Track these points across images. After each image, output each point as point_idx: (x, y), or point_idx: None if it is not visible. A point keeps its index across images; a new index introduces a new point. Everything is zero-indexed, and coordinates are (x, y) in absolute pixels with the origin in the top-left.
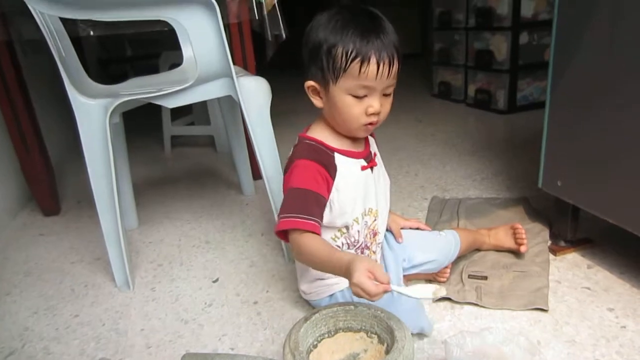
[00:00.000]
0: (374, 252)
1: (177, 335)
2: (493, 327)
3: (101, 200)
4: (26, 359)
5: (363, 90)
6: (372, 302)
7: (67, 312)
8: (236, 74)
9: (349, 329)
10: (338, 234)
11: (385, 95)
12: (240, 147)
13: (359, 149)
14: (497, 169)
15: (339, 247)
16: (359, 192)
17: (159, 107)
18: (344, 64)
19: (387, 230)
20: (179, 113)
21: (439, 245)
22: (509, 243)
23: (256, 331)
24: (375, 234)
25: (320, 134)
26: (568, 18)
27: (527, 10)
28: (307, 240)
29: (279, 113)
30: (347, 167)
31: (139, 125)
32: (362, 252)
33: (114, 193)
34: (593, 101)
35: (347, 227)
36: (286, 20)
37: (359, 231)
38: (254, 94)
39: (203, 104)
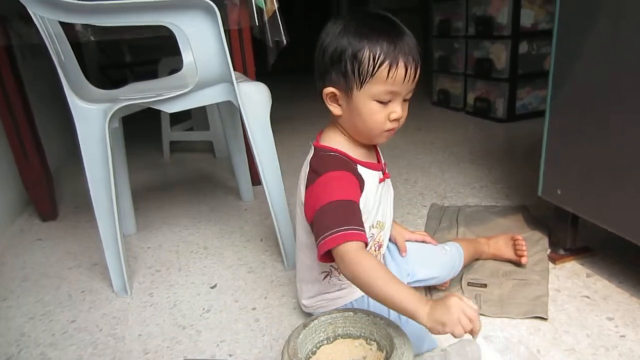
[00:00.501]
0: None
1: (175, 341)
2: (493, 336)
3: (99, 205)
4: None
5: (389, 95)
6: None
7: (64, 318)
8: (236, 79)
9: (348, 336)
10: None
11: (405, 100)
12: (240, 153)
13: (373, 159)
14: (496, 177)
15: None
16: (375, 204)
17: (158, 112)
18: (372, 69)
19: (390, 241)
20: (178, 118)
21: (443, 261)
22: (509, 253)
23: (254, 338)
24: (380, 246)
25: (338, 144)
26: (568, 27)
27: (526, 20)
28: (367, 256)
29: (279, 119)
30: (369, 179)
31: (138, 130)
32: None
33: (112, 198)
34: (593, 110)
35: None
36: (286, 25)
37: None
38: (254, 99)
39: (202, 110)
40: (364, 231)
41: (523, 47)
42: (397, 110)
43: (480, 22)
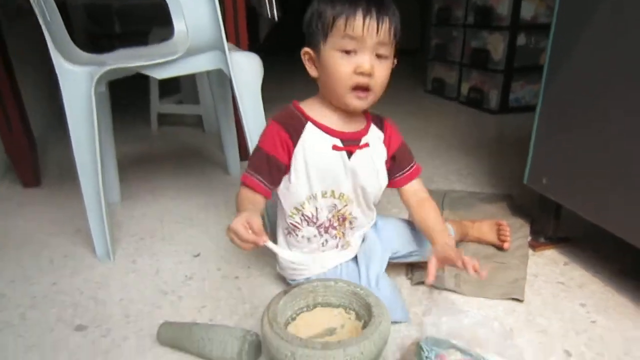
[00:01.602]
0: (343, 235)
1: (156, 306)
2: (469, 311)
3: (84, 167)
4: (1, 324)
5: (351, 42)
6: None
7: (45, 282)
8: (228, 48)
9: (327, 305)
10: (294, 210)
11: (379, 56)
12: (229, 126)
13: (344, 129)
14: (484, 166)
15: (297, 223)
16: (323, 170)
17: (147, 84)
18: (331, 21)
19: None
20: (167, 91)
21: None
22: (492, 238)
23: (236, 305)
24: (344, 219)
25: (308, 104)
26: (566, 22)
27: (527, 12)
28: (241, 192)
29: (270, 98)
30: (313, 140)
31: (126, 101)
32: (326, 232)
33: (97, 161)
34: (583, 103)
35: (302, 205)
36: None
37: (317, 208)
38: (246, 69)
39: (192, 83)
40: (259, 180)
41: (521, 40)
42: (364, 62)
43: (480, 11)
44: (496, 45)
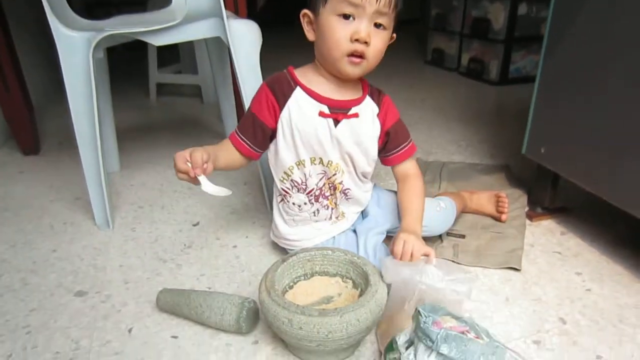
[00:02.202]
0: (336, 205)
1: (155, 273)
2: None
3: (82, 134)
4: (3, 288)
5: (349, 7)
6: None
7: (45, 247)
8: (227, 16)
9: (325, 273)
10: (284, 175)
11: (377, 25)
12: (227, 97)
13: (337, 97)
14: (483, 137)
15: (288, 189)
16: (308, 135)
17: (145, 53)
18: None
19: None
20: (165, 61)
21: (439, 220)
22: (490, 210)
23: (234, 273)
24: (335, 188)
25: (301, 70)
26: None
27: None
28: (227, 148)
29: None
30: (300, 104)
31: (124, 71)
32: (316, 200)
33: (95, 128)
34: (583, 72)
35: (290, 169)
36: None
37: (306, 174)
38: (244, 37)
39: (191, 53)
40: (242, 140)
41: (522, 9)
42: (361, 30)
43: None
44: (497, 15)
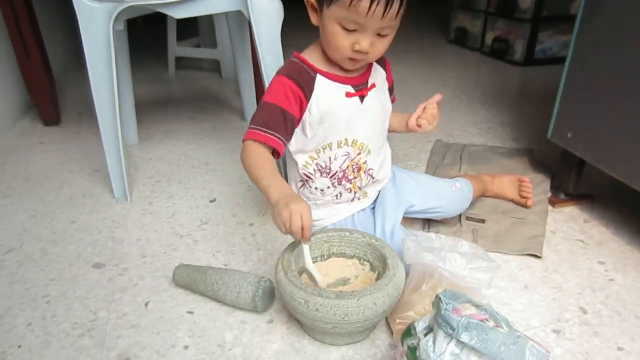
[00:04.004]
0: (359, 188)
1: (172, 247)
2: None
3: (102, 107)
4: (24, 257)
5: (352, 24)
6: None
7: (65, 218)
8: None
9: (342, 255)
10: (309, 160)
11: (380, 35)
12: (247, 72)
13: (351, 74)
14: (505, 119)
15: (311, 173)
16: (338, 119)
17: (165, 27)
18: None
19: (394, 168)
20: (185, 34)
21: (454, 199)
22: (513, 194)
23: (250, 251)
24: (359, 169)
25: (311, 54)
26: None
27: None
28: (252, 151)
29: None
30: (326, 91)
31: (144, 45)
32: (339, 184)
33: (115, 101)
34: (617, 56)
35: (317, 152)
36: None
37: (330, 158)
38: (266, 11)
39: (210, 27)
40: (275, 136)
41: None
42: (362, 42)
43: None
44: None
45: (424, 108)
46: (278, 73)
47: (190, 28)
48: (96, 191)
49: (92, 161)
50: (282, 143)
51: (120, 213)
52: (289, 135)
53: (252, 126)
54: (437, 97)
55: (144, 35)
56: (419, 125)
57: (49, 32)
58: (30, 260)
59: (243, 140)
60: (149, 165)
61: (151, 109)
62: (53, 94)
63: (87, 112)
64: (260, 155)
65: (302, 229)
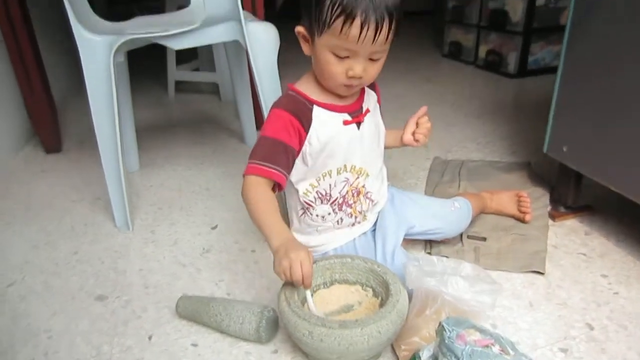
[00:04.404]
0: (360, 213)
1: (175, 277)
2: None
3: (103, 138)
4: (26, 290)
5: (344, 51)
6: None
7: (67, 249)
8: (244, 18)
9: (344, 281)
10: (310, 188)
11: (372, 60)
12: (245, 96)
13: (346, 102)
14: (503, 133)
15: (311, 202)
16: (338, 147)
17: (164, 50)
18: (328, 19)
19: (390, 188)
20: (184, 58)
21: (453, 219)
22: (512, 210)
23: (253, 279)
24: (359, 193)
25: (306, 86)
26: None
27: None
28: (259, 190)
29: (286, 62)
30: (324, 121)
31: (143, 68)
32: (340, 209)
33: (116, 131)
34: (607, 68)
35: (317, 180)
36: None
37: (330, 185)
38: (262, 39)
39: (209, 51)
40: (277, 170)
41: (540, 0)
42: (355, 68)
43: None
44: (515, 6)
45: (417, 123)
46: (276, 107)
47: (189, 51)
48: (98, 220)
49: (94, 189)
50: (284, 176)
51: (122, 242)
52: (290, 168)
53: (254, 161)
54: (424, 109)
55: (143, 58)
56: (416, 140)
57: (51, 61)
58: (33, 293)
59: (244, 175)
60: (150, 192)
61: (152, 133)
62: (55, 122)
63: (88, 139)
64: (261, 195)
65: (303, 278)
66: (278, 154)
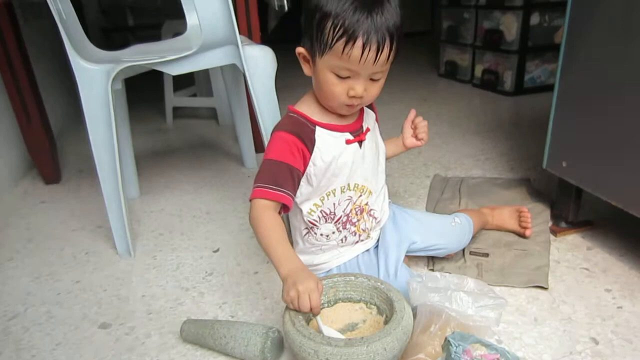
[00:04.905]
0: (364, 231)
1: (178, 302)
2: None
3: (103, 166)
4: (29, 322)
5: (345, 72)
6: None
7: (69, 278)
8: (241, 42)
9: (348, 300)
10: (314, 207)
11: (373, 80)
12: (243, 119)
13: (347, 122)
14: (501, 150)
15: (315, 221)
16: (342, 166)
17: (161, 77)
18: (330, 40)
19: (391, 206)
20: (181, 84)
21: (452, 233)
22: (513, 225)
23: (256, 300)
24: (362, 211)
25: (306, 107)
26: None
27: None
28: (267, 214)
29: (282, 87)
30: (328, 141)
31: (141, 95)
32: (344, 227)
33: (115, 159)
34: (603, 83)
35: (321, 200)
36: None
37: (334, 204)
38: (259, 63)
39: (206, 76)
40: (284, 192)
41: (534, 19)
42: (356, 88)
43: None
44: (509, 26)
45: (414, 125)
46: (279, 129)
47: (186, 77)
48: (99, 248)
49: (94, 218)
50: (291, 199)
51: (124, 269)
52: (296, 189)
53: (260, 184)
54: (414, 111)
55: (140, 85)
56: (420, 139)
57: (47, 91)
58: (36, 324)
59: (251, 199)
60: (150, 218)
61: (151, 160)
62: (53, 153)
63: (87, 168)
64: (270, 221)
65: (311, 308)
66: (284, 176)
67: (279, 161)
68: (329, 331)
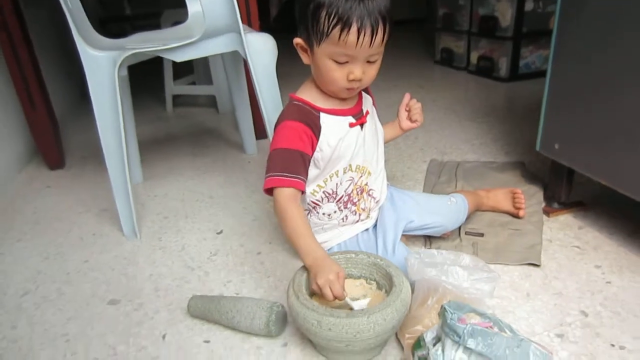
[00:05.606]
0: (364, 210)
1: (184, 280)
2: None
3: (110, 151)
4: (40, 298)
5: (344, 57)
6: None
7: (77, 258)
8: (243, 30)
9: (349, 276)
10: (317, 188)
11: (370, 62)
12: (244, 106)
13: (348, 106)
14: (496, 134)
15: (318, 201)
16: (346, 149)
17: (161, 66)
18: (326, 29)
19: (389, 187)
20: (180, 73)
21: (448, 212)
22: (507, 206)
23: (260, 279)
24: (362, 191)
25: (308, 94)
26: None
27: None
28: (293, 207)
29: (282, 74)
30: (332, 126)
31: (141, 84)
32: (345, 207)
33: (122, 144)
34: (594, 66)
35: (324, 181)
36: None
37: (337, 184)
38: (261, 49)
39: (205, 64)
40: (298, 178)
41: (529, 5)
42: (355, 72)
43: None
44: (504, 12)
45: (408, 107)
46: (286, 119)
47: (185, 66)
48: (105, 230)
49: (100, 202)
50: (304, 183)
51: (131, 250)
52: (307, 174)
53: (275, 173)
54: (408, 95)
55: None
56: (415, 121)
57: (49, 76)
58: (47, 301)
59: (266, 189)
60: (155, 202)
61: (153, 147)
62: (57, 139)
63: (90, 154)
64: (294, 212)
65: (334, 297)
66: (297, 163)
67: (290, 149)
68: (360, 304)
